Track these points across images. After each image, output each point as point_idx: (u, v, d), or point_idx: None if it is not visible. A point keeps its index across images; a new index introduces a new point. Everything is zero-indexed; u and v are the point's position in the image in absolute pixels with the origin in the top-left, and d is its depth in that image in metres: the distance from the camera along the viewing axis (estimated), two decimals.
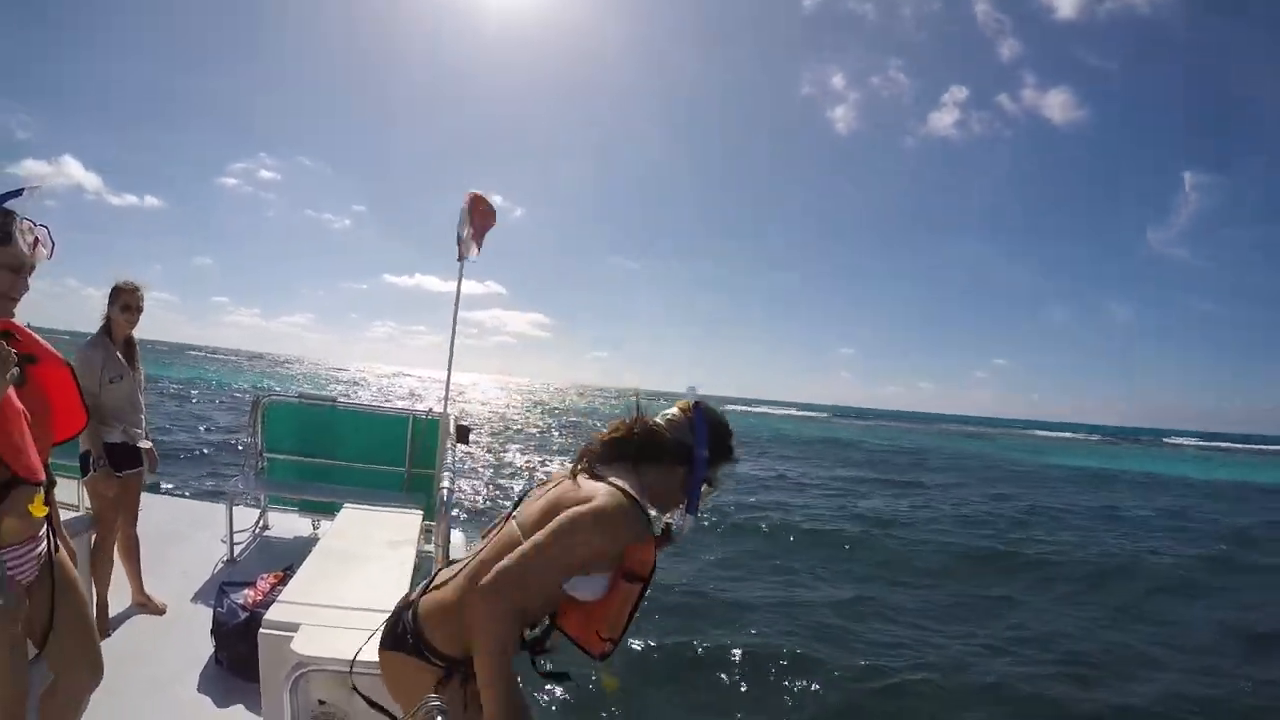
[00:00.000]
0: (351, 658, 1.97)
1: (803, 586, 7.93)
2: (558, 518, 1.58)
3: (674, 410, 1.84)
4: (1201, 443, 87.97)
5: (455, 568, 1.78)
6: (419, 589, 1.81)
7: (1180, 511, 17.25)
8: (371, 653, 2.00)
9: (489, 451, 18.56)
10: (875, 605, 7.35)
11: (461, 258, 4.61)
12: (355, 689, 2.00)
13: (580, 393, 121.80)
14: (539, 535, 1.57)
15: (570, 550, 1.56)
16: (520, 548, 1.56)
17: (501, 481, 13.51)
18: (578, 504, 1.61)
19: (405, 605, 1.75)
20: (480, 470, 14.71)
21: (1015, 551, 10.47)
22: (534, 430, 28.41)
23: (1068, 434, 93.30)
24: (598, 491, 1.62)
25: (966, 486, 19.72)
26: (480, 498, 11.44)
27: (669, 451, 1.76)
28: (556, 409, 52.31)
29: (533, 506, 1.73)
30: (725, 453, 1.84)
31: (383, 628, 1.80)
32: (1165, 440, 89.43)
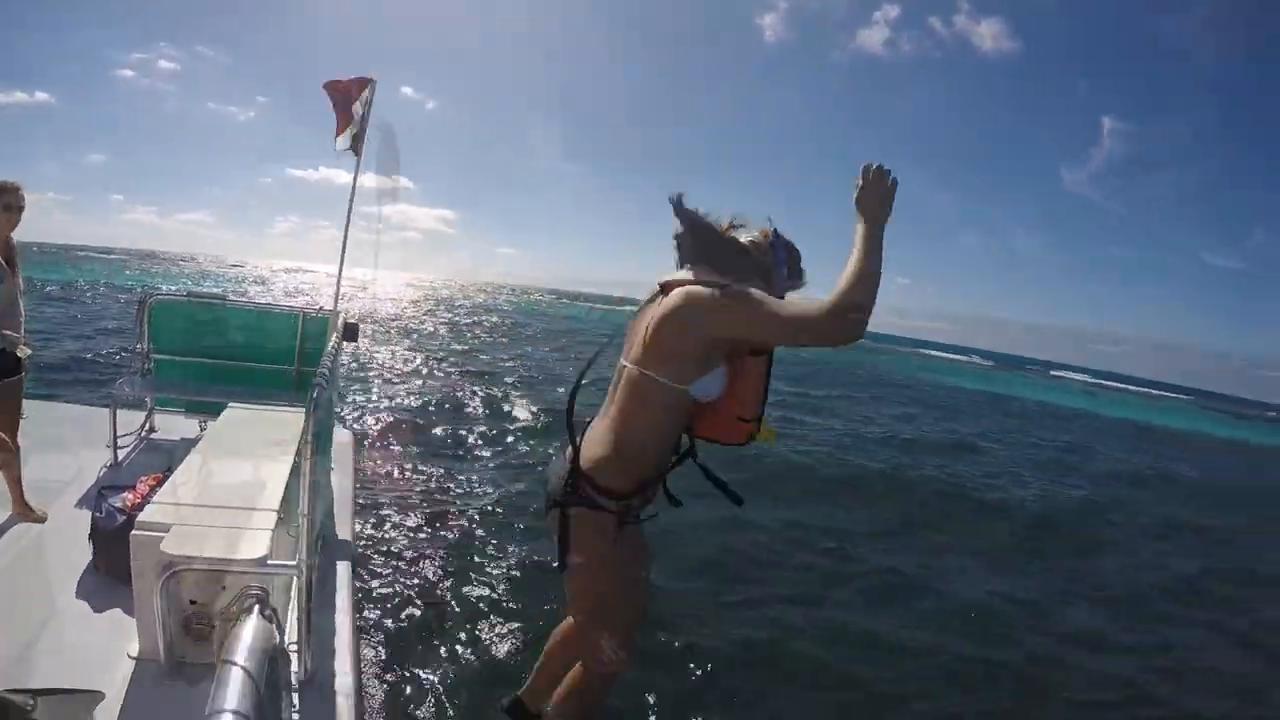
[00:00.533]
0: (223, 556, 2.03)
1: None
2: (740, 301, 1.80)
3: (756, 234, 2.03)
4: (1088, 379, 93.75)
5: (597, 421, 2.06)
6: (572, 449, 2.04)
7: (1079, 447, 18.03)
8: (247, 550, 2.06)
9: (385, 348, 18.07)
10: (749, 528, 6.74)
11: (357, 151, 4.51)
12: (224, 588, 2.07)
13: (483, 289, 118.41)
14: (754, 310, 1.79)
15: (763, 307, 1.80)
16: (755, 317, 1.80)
17: (394, 382, 13.11)
18: (679, 306, 1.86)
19: (570, 462, 2.00)
20: (373, 369, 14.24)
21: (910, 476, 10.16)
22: (435, 329, 27.54)
23: (959, 356, 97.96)
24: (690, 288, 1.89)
25: (861, 403, 19.96)
26: (369, 397, 11.14)
27: (752, 270, 1.95)
28: (460, 305, 50.95)
29: (635, 334, 2.00)
30: (798, 275, 2.06)
31: (548, 491, 2.09)
32: (1052, 373, 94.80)
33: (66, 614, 2.62)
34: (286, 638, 1.95)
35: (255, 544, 2.09)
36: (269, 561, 2.04)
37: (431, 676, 3.44)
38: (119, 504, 2.89)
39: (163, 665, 2.13)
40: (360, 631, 3.22)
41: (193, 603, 2.11)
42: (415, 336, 23.42)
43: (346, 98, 4.44)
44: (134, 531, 2.13)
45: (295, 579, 2.07)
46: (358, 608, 3.23)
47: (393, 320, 29.20)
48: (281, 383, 4.85)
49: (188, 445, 4.31)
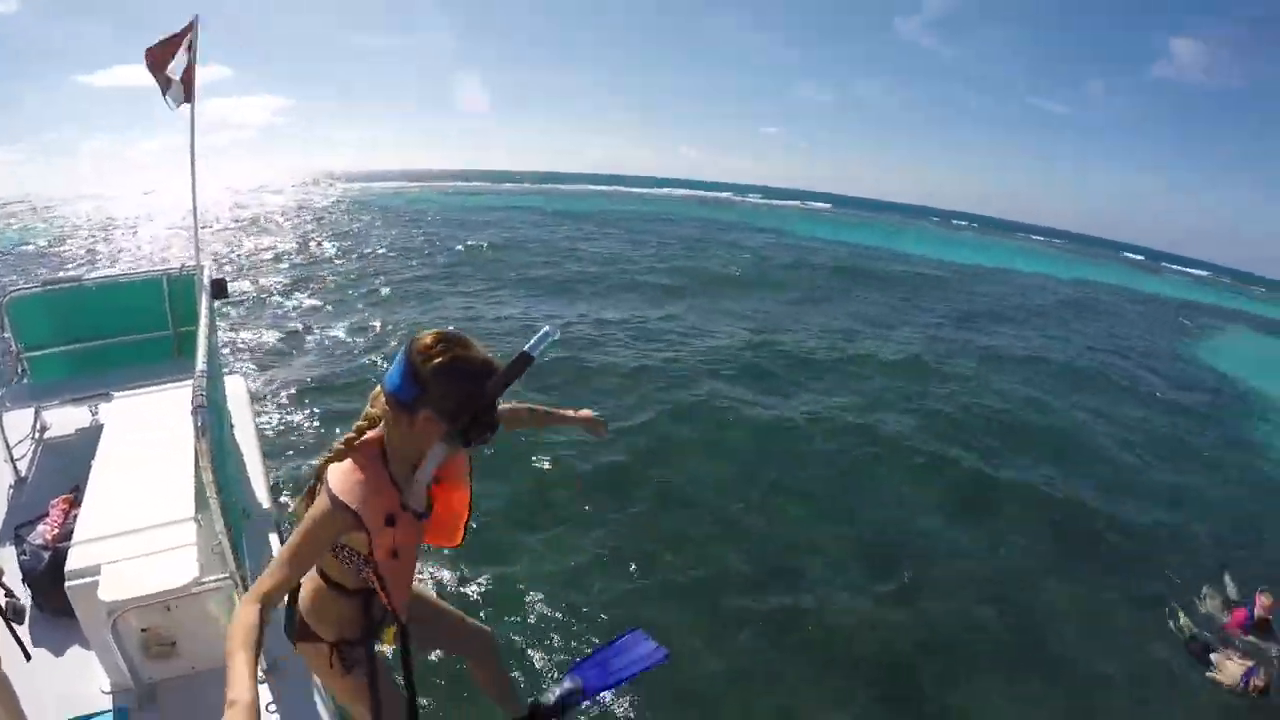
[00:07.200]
0: (158, 590, 2.10)
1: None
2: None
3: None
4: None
5: None
6: None
7: None
8: (176, 579, 2.15)
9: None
10: None
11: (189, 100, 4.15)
12: (169, 609, 2.17)
13: (330, 182, 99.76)
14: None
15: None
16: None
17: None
18: None
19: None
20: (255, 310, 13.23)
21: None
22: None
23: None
24: None
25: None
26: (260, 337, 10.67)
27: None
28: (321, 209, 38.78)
29: None
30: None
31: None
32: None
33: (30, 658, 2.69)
34: None
35: (184, 565, 2.15)
36: (202, 580, 2.13)
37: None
38: (39, 541, 2.84)
39: (136, 692, 2.24)
40: None
41: (144, 630, 2.21)
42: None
43: (166, 58, 4.00)
44: (68, 584, 2.14)
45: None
46: None
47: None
48: (163, 350, 4.69)
49: (86, 438, 4.19)
